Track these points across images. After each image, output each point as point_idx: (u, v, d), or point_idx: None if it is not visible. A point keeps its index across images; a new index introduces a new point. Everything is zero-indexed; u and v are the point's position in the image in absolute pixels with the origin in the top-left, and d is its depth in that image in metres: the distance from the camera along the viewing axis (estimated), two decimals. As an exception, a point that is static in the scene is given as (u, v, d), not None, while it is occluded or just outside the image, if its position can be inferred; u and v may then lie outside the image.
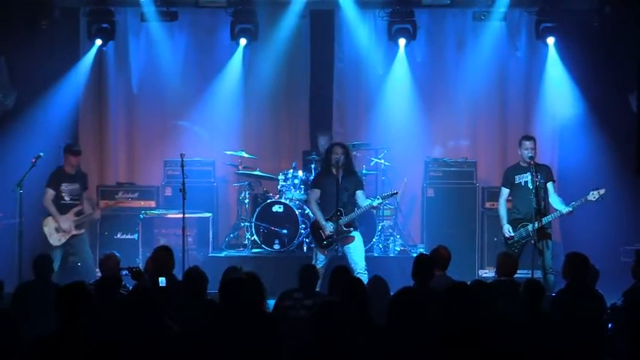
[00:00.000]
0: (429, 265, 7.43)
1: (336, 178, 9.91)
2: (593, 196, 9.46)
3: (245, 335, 5.72)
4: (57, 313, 5.29)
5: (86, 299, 5.34)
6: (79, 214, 10.70)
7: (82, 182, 10.86)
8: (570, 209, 9.56)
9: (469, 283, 6.54)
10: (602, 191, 9.45)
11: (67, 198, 10.71)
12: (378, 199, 9.99)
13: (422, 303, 6.02)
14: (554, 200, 9.82)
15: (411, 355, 5.56)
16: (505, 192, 10.04)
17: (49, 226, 10.60)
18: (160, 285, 7.06)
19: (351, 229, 9.96)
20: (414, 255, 9.49)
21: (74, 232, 10.66)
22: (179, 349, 5.64)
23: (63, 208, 10.63)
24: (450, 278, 7.92)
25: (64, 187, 10.69)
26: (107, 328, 5.82)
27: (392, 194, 10.22)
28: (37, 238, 10.88)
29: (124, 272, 7.75)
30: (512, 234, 9.69)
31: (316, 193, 10.13)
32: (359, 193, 10.03)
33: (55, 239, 10.57)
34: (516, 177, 9.84)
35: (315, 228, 10.07)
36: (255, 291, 6.24)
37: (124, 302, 5.82)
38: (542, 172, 9.82)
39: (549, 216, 9.70)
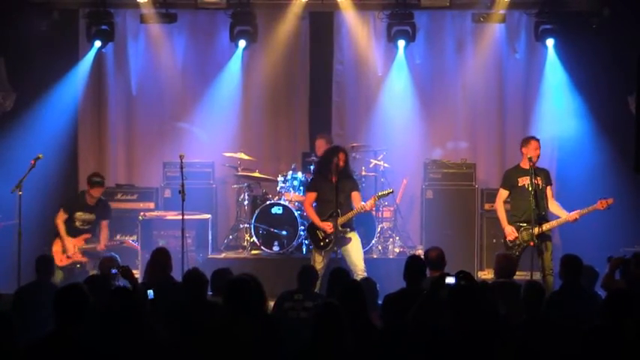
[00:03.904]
0: (420, 266, 7.40)
1: (333, 182, 9.89)
2: (601, 205, 9.49)
3: (247, 337, 5.72)
4: (53, 315, 5.29)
5: (83, 302, 5.32)
6: (87, 241, 10.73)
7: (101, 213, 10.89)
8: (576, 216, 9.57)
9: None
10: (610, 201, 9.48)
11: (77, 224, 10.78)
12: (373, 197, 9.96)
13: (412, 304, 6.06)
14: (554, 205, 9.83)
15: (408, 356, 5.57)
16: (504, 194, 10.02)
17: (56, 246, 10.70)
18: (149, 298, 7.02)
19: (348, 229, 9.95)
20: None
21: (77, 258, 10.67)
22: (165, 353, 5.65)
23: (73, 232, 10.72)
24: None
25: (78, 215, 10.78)
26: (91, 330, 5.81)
27: (388, 192, 10.16)
28: (35, 240, 10.89)
29: (114, 271, 7.75)
30: (517, 234, 9.68)
31: (312, 196, 10.13)
32: (354, 195, 10.02)
33: (58, 259, 10.58)
34: (520, 179, 9.82)
35: (312, 230, 10.07)
36: (258, 292, 6.25)
37: (104, 305, 5.78)
38: (542, 175, 9.83)
39: (553, 222, 9.71)
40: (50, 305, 5.35)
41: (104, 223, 10.93)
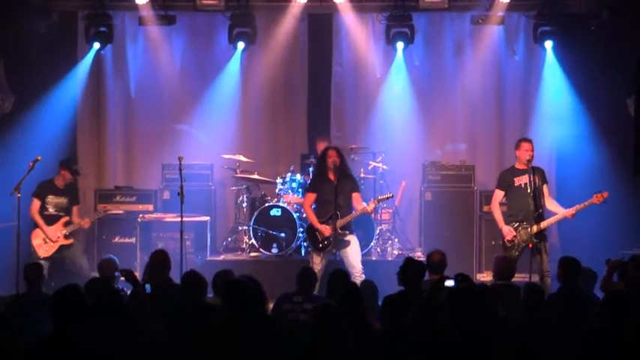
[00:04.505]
0: (417, 269, 7.38)
1: (332, 182, 9.90)
2: (597, 199, 9.51)
3: (245, 337, 5.71)
4: (51, 317, 5.29)
5: (80, 303, 5.32)
6: (67, 224, 10.71)
7: (72, 196, 10.89)
8: (573, 212, 9.59)
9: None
10: (605, 194, 9.50)
11: (51, 210, 10.75)
12: (373, 201, 9.98)
13: (411, 306, 6.05)
14: (550, 203, 9.85)
15: (407, 358, 5.57)
16: (500, 194, 10.03)
17: (36, 239, 10.65)
18: (146, 292, 7.04)
19: (347, 232, 9.94)
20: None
21: (62, 242, 10.66)
22: (164, 354, 5.65)
23: (48, 220, 10.68)
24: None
25: (50, 199, 10.74)
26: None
27: (388, 197, 10.20)
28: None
29: (116, 274, 7.76)
30: (515, 234, 9.68)
31: (311, 197, 10.13)
32: (355, 196, 10.02)
33: (43, 250, 10.58)
34: (516, 179, 9.84)
35: (310, 231, 10.07)
36: (259, 294, 6.25)
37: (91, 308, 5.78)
38: (538, 174, 9.84)
39: (551, 219, 9.72)
40: (43, 314, 5.34)
41: (75, 209, 10.92)
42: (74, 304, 5.29)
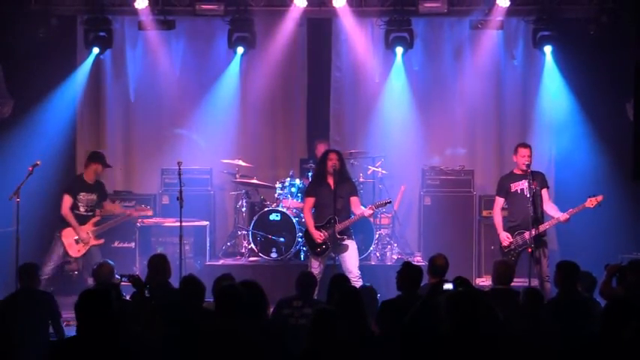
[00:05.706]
0: (416, 272, 7.36)
1: (331, 187, 9.90)
2: (590, 203, 9.53)
3: (246, 343, 5.71)
4: (76, 317, 5.31)
5: (107, 304, 5.32)
6: (97, 224, 10.68)
7: (100, 192, 10.85)
8: (567, 216, 9.62)
9: None
10: (599, 198, 9.51)
11: (82, 209, 10.67)
12: (371, 207, 10.00)
13: (409, 310, 6.05)
14: (549, 207, 9.88)
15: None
16: (500, 201, 10.08)
17: (68, 238, 10.59)
18: (145, 295, 7.05)
19: (345, 237, 9.94)
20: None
21: (93, 242, 10.63)
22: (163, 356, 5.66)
23: (78, 219, 10.60)
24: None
25: (82, 196, 10.65)
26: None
27: (385, 203, 10.22)
28: (33, 247, 10.85)
29: (124, 279, 7.76)
30: (511, 240, 9.71)
31: (310, 201, 10.13)
32: (353, 200, 10.03)
33: (75, 250, 10.56)
34: (512, 185, 9.88)
35: (308, 235, 10.08)
36: (259, 297, 6.25)
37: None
38: (538, 179, 9.86)
39: (545, 223, 9.76)
40: (38, 313, 5.34)
41: (106, 202, 10.95)
42: (101, 305, 5.28)
